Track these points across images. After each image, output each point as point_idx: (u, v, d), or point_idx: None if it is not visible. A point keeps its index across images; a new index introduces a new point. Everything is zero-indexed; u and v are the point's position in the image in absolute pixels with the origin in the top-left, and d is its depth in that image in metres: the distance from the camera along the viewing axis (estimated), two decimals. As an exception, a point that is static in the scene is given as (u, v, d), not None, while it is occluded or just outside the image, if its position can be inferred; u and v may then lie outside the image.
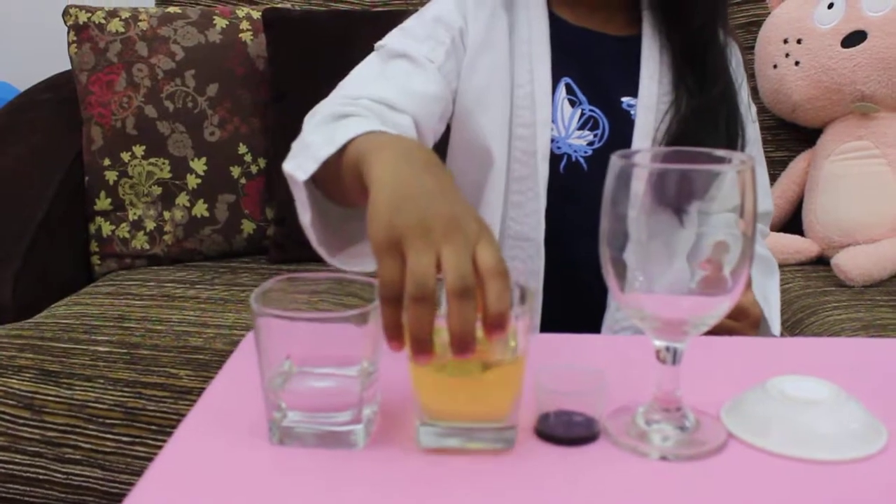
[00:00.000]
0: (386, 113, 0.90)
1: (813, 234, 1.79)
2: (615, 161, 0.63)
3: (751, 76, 1.93)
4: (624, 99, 1.06)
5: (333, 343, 0.67)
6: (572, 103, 1.06)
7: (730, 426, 0.68)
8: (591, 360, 0.72)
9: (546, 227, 1.04)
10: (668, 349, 0.66)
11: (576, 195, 1.03)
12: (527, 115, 1.03)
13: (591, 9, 1.08)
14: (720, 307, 0.65)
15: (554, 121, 1.04)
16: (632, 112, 1.05)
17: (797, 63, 1.83)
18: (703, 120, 1.03)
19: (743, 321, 0.96)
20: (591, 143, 1.05)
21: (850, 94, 1.78)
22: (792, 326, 1.53)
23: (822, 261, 1.75)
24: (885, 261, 1.63)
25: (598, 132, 1.05)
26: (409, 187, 0.64)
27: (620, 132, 1.04)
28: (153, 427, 1.31)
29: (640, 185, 0.62)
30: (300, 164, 0.83)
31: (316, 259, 1.77)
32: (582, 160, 1.05)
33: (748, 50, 1.95)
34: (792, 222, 1.84)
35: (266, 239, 1.86)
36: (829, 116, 1.83)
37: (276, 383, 0.67)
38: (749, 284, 0.93)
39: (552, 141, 1.04)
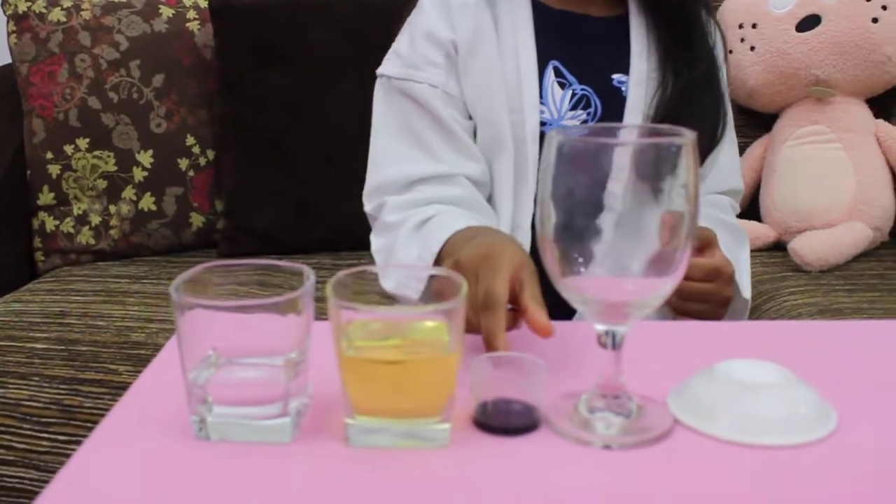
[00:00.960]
0: (446, 191, 1.01)
1: (770, 219, 1.77)
2: (553, 136, 0.60)
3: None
4: (615, 76, 1.06)
5: (259, 333, 0.64)
6: (562, 85, 1.06)
7: (676, 412, 0.65)
8: (534, 348, 0.70)
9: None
10: (607, 333, 0.63)
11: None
12: (516, 102, 1.04)
13: None
14: (663, 288, 0.62)
15: (545, 104, 1.05)
16: (623, 89, 1.06)
17: (752, 48, 1.81)
18: (689, 99, 1.03)
19: (717, 280, 0.95)
20: (584, 122, 1.05)
21: (806, 78, 1.76)
22: (750, 312, 1.51)
23: (779, 246, 1.74)
24: (841, 245, 1.62)
25: (591, 110, 1.06)
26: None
27: (612, 109, 1.05)
28: (90, 425, 1.26)
29: (580, 163, 0.60)
30: (405, 283, 0.93)
31: (266, 252, 1.75)
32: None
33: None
34: (749, 208, 1.82)
35: (216, 232, 1.81)
36: (784, 101, 1.81)
37: (201, 376, 0.64)
38: (717, 244, 0.95)
39: (544, 124, 1.05)
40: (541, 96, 1.04)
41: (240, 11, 1.81)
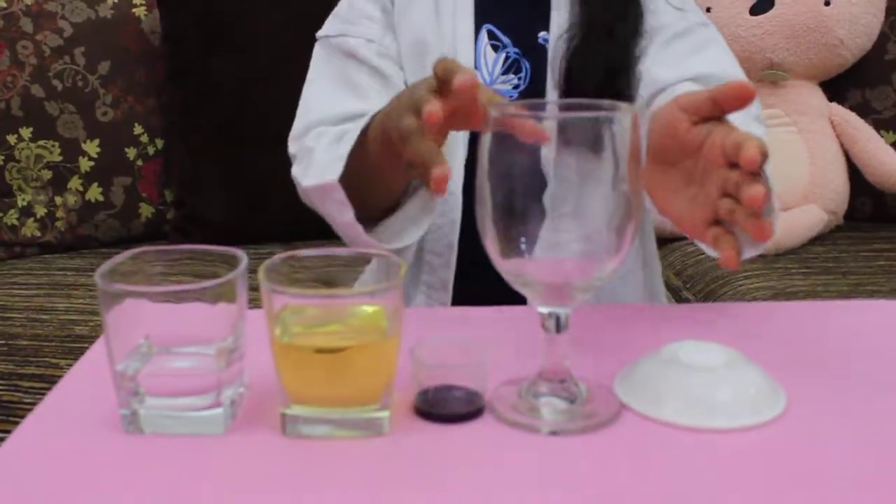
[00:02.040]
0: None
1: (725, 203, 1.77)
2: (490, 112, 0.58)
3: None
4: (540, 34, 1.04)
5: (192, 320, 0.61)
6: (495, 48, 1.04)
7: (623, 396, 0.64)
8: (477, 332, 0.68)
9: (468, 178, 0.99)
10: (550, 315, 0.61)
11: None
12: None
13: None
14: (605, 268, 0.60)
15: (478, 68, 1.03)
16: (547, 46, 1.03)
17: (707, 31, 1.81)
18: (593, 30, 1.00)
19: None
20: (516, 87, 1.03)
21: (760, 61, 1.76)
22: (705, 296, 1.51)
23: (736, 231, 1.73)
24: (796, 228, 1.62)
25: (522, 74, 1.03)
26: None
27: (539, 68, 1.02)
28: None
29: (516, 142, 0.58)
30: (324, 170, 0.88)
31: (216, 242, 1.70)
32: None
33: None
34: (705, 193, 1.82)
35: (166, 223, 1.77)
36: (739, 85, 1.81)
37: (131, 367, 0.61)
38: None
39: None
40: (475, 60, 1.02)
41: (187, -4, 1.77)
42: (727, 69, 0.99)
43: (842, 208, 1.74)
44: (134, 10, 1.79)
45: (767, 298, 1.38)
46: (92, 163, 1.72)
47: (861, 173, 1.74)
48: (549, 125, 0.57)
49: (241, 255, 0.62)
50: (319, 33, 1.06)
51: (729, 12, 1.78)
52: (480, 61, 1.03)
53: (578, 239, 0.59)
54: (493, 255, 0.60)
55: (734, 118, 0.71)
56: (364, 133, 0.87)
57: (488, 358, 0.63)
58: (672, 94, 0.91)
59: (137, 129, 1.76)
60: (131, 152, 1.75)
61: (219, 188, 1.72)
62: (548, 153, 0.57)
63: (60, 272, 1.57)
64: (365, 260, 0.65)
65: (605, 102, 0.60)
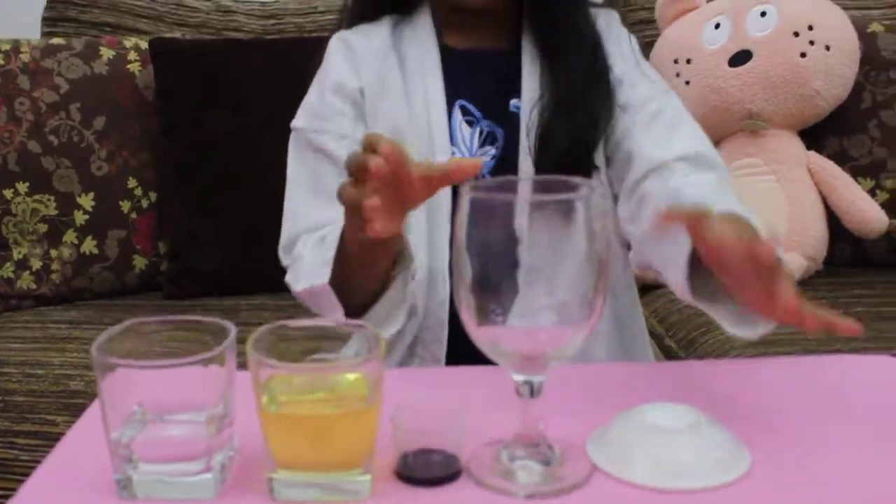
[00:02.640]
0: None
1: (708, 251, 1.80)
2: (464, 192, 0.62)
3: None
4: (512, 102, 1.07)
5: (183, 387, 0.64)
6: (470, 123, 1.07)
7: (595, 458, 0.67)
8: (455, 394, 0.71)
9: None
10: (525, 383, 0.64)
11: None
12: (427, 145, 1.05)
13: (475, 28, 1.10)
14: (577, 337, 0.63)
15: (455, 144, 1.06)
16: (518, 113, 1.07)
17: (687, 83, 1.86)
18: (565, 101, 1.04)
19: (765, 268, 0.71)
20: (493, 157, 1.07)
21: (739, 112, 1.80)
22: (687, 344, 1.54)
23: (718, 277, 1.77)
24: (776, 276, 1.65)
25: (498, 143, 1.07)
26: None
27: (512, 135, 1.06)
28: (27, 479, 1.25)
29: (491, 218, 0.61)
30: (312, 275, 0.94)
31: (210, 293, 1.74)
32: (488, 175, 1.06)
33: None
34: (688, 240, 1.85)
35: (159, 275, 1.81)
36: (720, 134, 1.85)
37: (126, 435, 0.64)
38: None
39: None
40: (451, 138, 1.06)
41: (180, 52, 1.82)
42: (707, 147, 1.04)
43: (821, 254, 1.77)
44: (128, 66, 1.83)
45: (746, 347, 1.41)
46: (87, 216, 1.76)
47: (840, 220, 1.78)
48: (524, 206, 0.61)
49: (231, 326, 0.66)
50: (293, 124, 1.09)
51: (709, 64, 1.82)
52: (457, 138, 1.06)
53: (551, 309, 0.63)
54: (469, 324, 0.63)
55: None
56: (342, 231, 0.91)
57: (465, 421, 0.66)
58: (666, 175, 0.97)
59: (132, 183, 1.80)
60: (125, 205, 1.79)
61: (211, 240, 1.76)
62: (522, 227, 0.61)
63: (55, 325, 1.59)
64: (348, 332, 0.68)
65: (577, 180, 0.64)
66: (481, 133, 1.07)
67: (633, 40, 1.12)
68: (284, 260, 1.05)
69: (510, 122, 1.06)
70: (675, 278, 0.84)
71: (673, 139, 1.02)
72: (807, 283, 1.73)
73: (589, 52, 1.06)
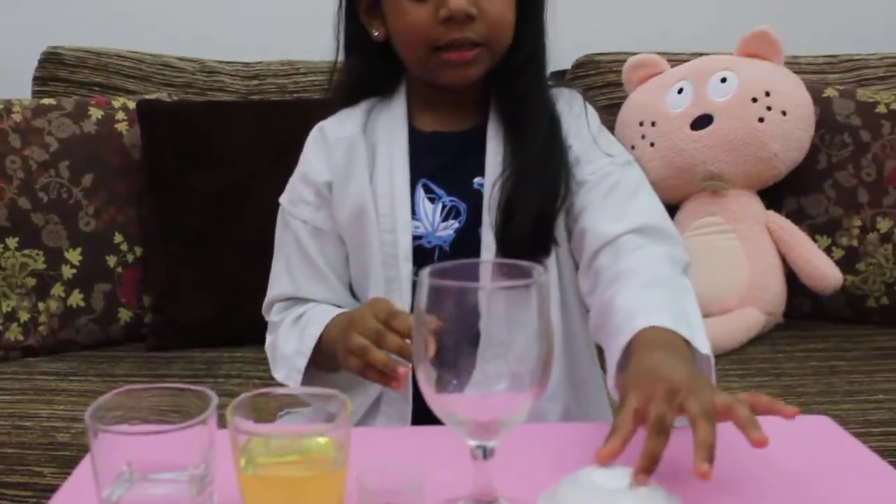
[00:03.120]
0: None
1: (672, 306, 1.88)
2: (423, 279, 0.69)
3: (612, 156, 2.03)
4: (476, 179, 1.14)
5: (167, 450, 0.71)
6: (432, 200, 1.14)
7: (544, 515, 0.73)
8: (418, 454, 0.77)
9: None
10: (478, 447, 0.71)
11: None
12: (389, 222, 1.13)
13: (446, 110, 1.17)
14: (527, 404, 0.70)
15: (419, 219, 1.13)
16: (482, 190, 1.13)
17: (652, 144, 1.94)
18: (525, 178, 1.10)
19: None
20: (456, 230, 1.13)
21: (701, 173, 1.89)
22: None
23: (682, 331, 1.84)
24: (735, 331, 1.73)
25: (460, 217, 1.14)
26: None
27: (475, 209, 1.13)
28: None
29: (449, 301, 0.69)
30: (289, 374, 1.11)
31: (192, 345, 1.80)
32: (448, 246, 1.13)
33: (609, 131, 2.05)
34: (654, 295, 1.93)
35: (144, 327, 1.87)
36: (683, 194, 1.94)
37: (115, 493, 0.71)
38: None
39: (422, 237, 1.13)
40: (414, 213, 1.13)
41: (165, 112, 1.90)
42: (659, 218, 1.11)
43: (780, 309, 1.86)
44: (116, 125, 1.90)
45: (704, 401, 1.48)
46: (74, 270, 1.82)
47: (797, 276, 1.86)
48: (483, 293, 0.69)
49: (212, 394, 0.72)
50: (280, 199, 1.21)
51: (672, 127, 1.91)
52: (420, 213, 1.13)
53: (504, 379, 0.70)
54: (427, 393, 0.70)
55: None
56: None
57: (425, 480, 0.73)
58: (617, 249, 1.04)
59: (118, 238, 1.86)
60: (111, 260, 1.85)
61: (194, 294, 1.82)
62: (482, 309, 0.68)
63: (42, 377, 1.65)
64: (319, 398, 0.75)
65: (530, 265, 0.71)
66: (444, 208, 1.13)
67: (594, 117, 1.19)
68: (265, 317, 1.21)
69: (473, 198, 1.13)
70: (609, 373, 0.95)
71: (626, 212, 1.08)
72: (766, 337, 1.82)
73: (547, 129, 1.14)
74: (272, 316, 1.20)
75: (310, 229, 1.17)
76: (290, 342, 1.13)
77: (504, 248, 1.09)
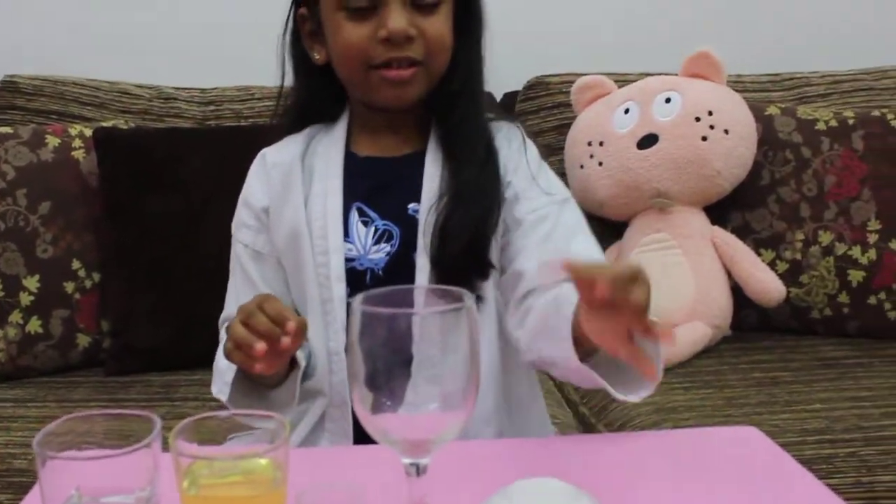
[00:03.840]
0: None
1: (622, 321, 1.93)
2: (356, 307, 0.73)
3: (563, 175, 2.08)
4: (410, 205, 1.17)
5: (113, 474, 0.74)
6: (365, 223, 1.17)
7: (476, 528, 0.77)
8: (356, 473, 0.81)
9: None
10: (412, 465, 0.75)
11: None
12: (323, 244, 1.16)
13: (385, 135, 1.21)
14: (457, 423, 0.74)
15: (352, 241, 1.16)
16: (416, 216, 1.16)
17: (600, 163, 1.99)
18: (460, 202, 1.13)
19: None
20: (388, 253, 1.17)
21: (648, 191, 1.94)
22: (598, 412, 1.65)
23: (632, 345, 1.88)
24: (682, 345, 1.78)
25: (393, 241, 1.17)
26: None
27: (408, 234, 1.16)
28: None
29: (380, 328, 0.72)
30: (220, 389, 1.13)
31: (150, 369, 1.82)
32: (380, 271, 1.16)
33: (559, 151, 2.11)
34: (605, 310, 1.97)
35: (102, 352, 1.88)
36: (631, 211, 1.99)
37: (64, 517, 0.74)
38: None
39: (354, 259, 1.16)
40: (347, 235, 1.16)
41: (122, 140, 1.93)
42: (595, 258, 1.14)
43: (726, 323, 1.91)
44: (73, 152, 1.92)
45: (650, 414, 1.53)
46: (32, 297, 1.83)
47: (742, 290, 1.92)
48: (416, 318, 0.72)
49: (156, 419, 0.76)
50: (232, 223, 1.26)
51: (619, 146, 1.96)
52: (353, 236, 1.16)
53: (435, 399, 0.74)
54: (361, 414, 0.74)
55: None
56: None
57: (363, 498, 0.76)
58: (553, 288, 1.05)
59: (76, 264, 1.88)
60: (70, 286, 1.87)
61: (152, 318, 1.85)
62: (414, 334, 0.72)
63: (0, 404, 1.66)
64: (261, 421, 0.78)
65: (460, 291, 0.75)
66: (376, 231, 1.17)
67: (534, 152, 1.22)
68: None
69: (406, 223, 1.16)
70: (563, 354, 0.95)
71: (563, 255, 1.10)
72: (713, 350, 1.87)
73: (484, 155, 1.17)
74: (221, 332, 1.22)
75: (251, 252, 1.22)
76: (222, 357, 1.13)
77: (439, 272, 1.12)
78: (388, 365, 0.72)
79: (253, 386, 1.10)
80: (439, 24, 1.13)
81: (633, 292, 0.81)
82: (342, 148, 1.20)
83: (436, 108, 1.19)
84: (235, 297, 1.21)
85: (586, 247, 1.14)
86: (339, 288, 1.15)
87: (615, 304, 0.80)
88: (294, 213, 1.18)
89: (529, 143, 1.22)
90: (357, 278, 1.16)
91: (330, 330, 1.15)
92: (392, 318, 0.72)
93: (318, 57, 1.19)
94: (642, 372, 0.88)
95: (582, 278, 0.81)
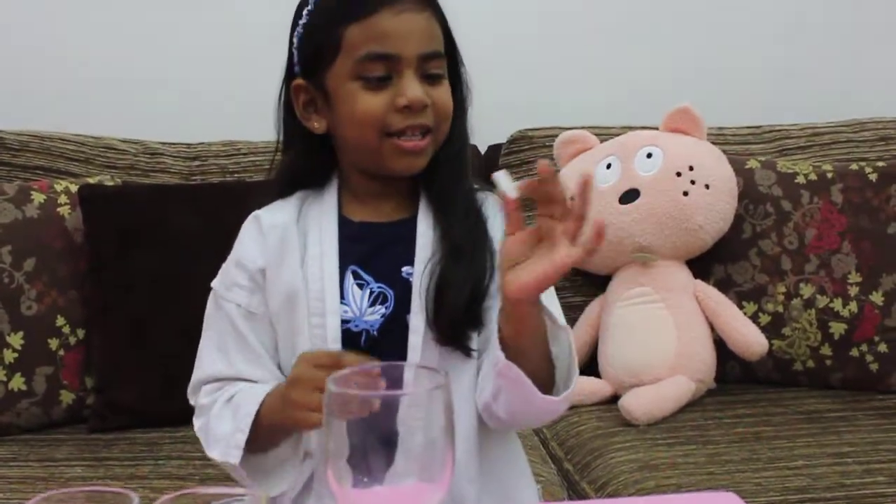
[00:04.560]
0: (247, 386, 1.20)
1: (606, 375, 1.94)
2: (330, 386, 0.73)
3: (546, 229, 2.10)
4: (404, 269, 1.19)
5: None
6: (360, 286, 1.19)
7: None
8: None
9: None
10: (388, 540, 0.75)
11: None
12: (319, 306, 1.18)
13: (377, 202, 1.23)
14: (437, 493, 0.75)
15: (347, 304, 1.18)
16: (410, 279, 1.18)
17: (583, 218, 2.01)
18: (454, 260, 1.16)
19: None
20: (383, 315, 1.18)
21: (630, 245, 1.96)
22: (582, 469, 1.65)
23: (616, 399, 1.89)
24: (665, 400, 1.79)
25: (388, 304, 1.18)
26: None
27: (403, 297, 1.17)
28: None
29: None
30: (227, 452, 1.13)
31: (134, 426, 1.81)
32: (375, 332, 1.18)
33: (542, 204, 2.12)
34: (589, 365, 1.99)
35: (86, 408, 1.88)
36: (614, 265, 2.01)
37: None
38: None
39: (349, 321, 1.18)
40: (343, 298, 1.18)
41: (107, 197, 1.93)
42: (557, 312, 1.17)
43: (709, 377, 1.92)
44: (59, 209, 1.93)
45: (633, 472, 1.53)
46: (16, 354, 1.83)
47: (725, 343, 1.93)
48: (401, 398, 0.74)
49: (134, 496, 0.76)
50: (212, 283, 1.26)
51: (602, 201, 1.98)
52: (349, 298, 1.18)
53: (414, 473, 0.74)
54: (338, 491, 0.74)
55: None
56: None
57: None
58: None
59: (60, 321, 1.88)
60: (54, 343, 1.87)
61: (135, 375, 1.84)
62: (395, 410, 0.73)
63: (-19, 462, 1.66)
64: (237, 499, 0.79)
65: (434, 370, 0.77)
66: (371, 293, 1.19)
67: None
68: (191, 400, 1.25)
69: (400, 285, 1.18)
70: (495, 359, 1.07)
71: None
72: (696, 403, 1.88)
73: (473, 217, 1.20)
74: (201, 398, 1.22)
75: (243, 312, 1.21)
76: (224, 422, 1.16)
77: (437, 330, 1.14)
78: (366, 442, 0.73)
79: (249, 454, 1.13)
80: (445, 94, 1.17)
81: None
82: (335, 213, 1.22)
83: (425, 174, 1.21)
84: (223, 357, 1.21)
85: (550, 302, 1.18)
86: (335, 349, 1.16)
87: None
88: (291, 275, 1.19)
89: None
90: (352, 340, 1.17)
91: None
92: (370, 400, 0.73)
93: (317, 126, 1.21)
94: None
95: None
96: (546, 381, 1.09)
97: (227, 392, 1.19)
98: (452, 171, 1.21)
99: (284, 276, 1.19)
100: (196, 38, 2.39)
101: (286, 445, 1.11)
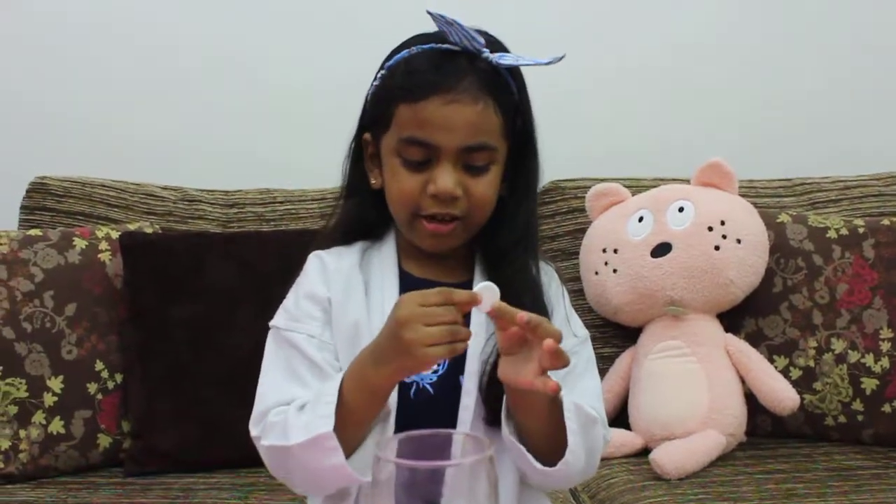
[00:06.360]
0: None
1: (637, 427, 1.94)
2: (385, 453, 0.76)
3: (578, 279, 2.12)
4: None
5: None
6: None
7: None
8: None
9: None
10: None
11: (424, 417, 1.15)
12: None
13: (433, 262, 1.26)
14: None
15: None
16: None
17: (615, 270, 2.03)
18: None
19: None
20: (435, 371, 1.21)
21: (662, 298, 1.97)
22: (613, 524, 1.66)
23: (647, 451, 1.90)
24: (697, 454, 1.79)
25: (442, 363, 1.20)
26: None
27: (457, 360, 1.18)
28: None
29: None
30: (310, 427, 1.09)
31: (170, 470, 1.84)
32: (428, 386, 1.20)
33: (574, 255, 2.15)
34: (619, 416, 2.00)
35: (122, 452, 1.91)
36: (645, 318, 2.02)
37: None
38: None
39: None
40: None
41: (147, 244, 1.97)
42: (596, 402, 1.22)
43: (740, 430, 1.92)
44: (100, 255, 1.98)
45: (662, 527, 1.54)
46: (56, 398, 1.87)
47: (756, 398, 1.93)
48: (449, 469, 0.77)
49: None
50: (272, 323, 1.25)
51: (634, 254, 2.00)
52: None
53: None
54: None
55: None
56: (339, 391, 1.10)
57: None
58: None
59: (99, 366, 1.92)
60: (92, 387, 1.91)
61: (172, 420, 1.87)
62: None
63: (21, 505, 1.69)
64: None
65: (482, 438, 0.80)
66: None
67: (567, 295, 1.31)
68: (254, 431, 1.18)
69: None
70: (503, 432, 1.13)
71: (572, 392, 1.17)
72: (727, 458, 1.88)
73: (533, 291, 1.22)
74: (270, 418, 1.16)
75: (316, 343, 1.21)
76: (302, 418, 1.11)
77: (489, 396, 1.17)
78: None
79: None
80: (485, 185, 1.19)
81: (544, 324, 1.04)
82: (395, 265, 1.26)
83: (487, 257, 1.25)
84: (299, 383, 1.18)
85: (592, 385, 1.25)
86: (393, 397, 1.15)
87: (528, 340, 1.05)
88: (356, 309, 1.21)
89: (564, 287, 1.31)
90: (402, 389, 1.18)
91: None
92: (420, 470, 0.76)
93: (374, 182, 1.25)
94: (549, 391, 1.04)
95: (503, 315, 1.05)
96: (558, 450, 1.12)
97: (296, 403, 1.15)
98: (515, 258, 1.23)
99: (349, 310, 1.21)
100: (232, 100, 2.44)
101: (373, 435, 1.11)
